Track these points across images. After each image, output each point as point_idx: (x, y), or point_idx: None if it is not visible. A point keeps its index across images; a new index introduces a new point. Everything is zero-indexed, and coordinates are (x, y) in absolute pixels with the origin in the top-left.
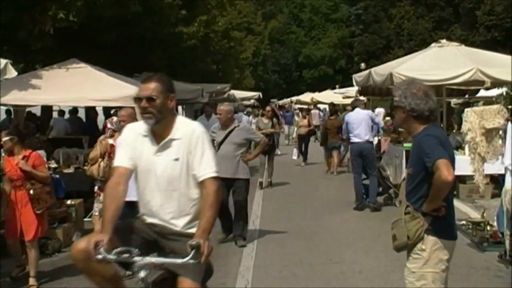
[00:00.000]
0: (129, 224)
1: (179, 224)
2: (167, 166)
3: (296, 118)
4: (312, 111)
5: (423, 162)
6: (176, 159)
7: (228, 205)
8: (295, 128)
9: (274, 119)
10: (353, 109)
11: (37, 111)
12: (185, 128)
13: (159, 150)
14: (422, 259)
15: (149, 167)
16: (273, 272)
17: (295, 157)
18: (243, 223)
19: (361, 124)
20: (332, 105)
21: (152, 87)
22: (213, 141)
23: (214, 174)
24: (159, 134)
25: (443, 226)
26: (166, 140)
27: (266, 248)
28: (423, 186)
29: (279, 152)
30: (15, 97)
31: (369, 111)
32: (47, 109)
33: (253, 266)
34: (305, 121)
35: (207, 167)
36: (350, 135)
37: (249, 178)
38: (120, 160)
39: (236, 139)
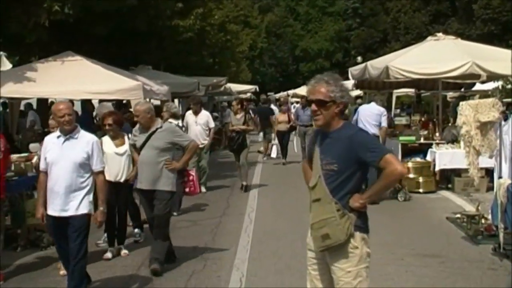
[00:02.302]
0: None
1: None
2: None
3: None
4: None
5: (355, 157)
6: None
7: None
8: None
9: (248, 115)
10: (369, 102)
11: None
12: None
13: None
14: (356, 257)
15: None
16: (268, 264)
17: (274, 155)
18: (162, 242)
19: (370, 117)
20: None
21: None
22: (134, 145)
23: None
24: None
25: (365, 220)
26: None
27: (261, 240)
28: (350, 181)
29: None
30: (10, 90)
31: (383, 110)
32: (42, 102)
33: (248, 259)
34: (285, 117)
35: None
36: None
37: (174, 191)
38: None
39: (158, 142)
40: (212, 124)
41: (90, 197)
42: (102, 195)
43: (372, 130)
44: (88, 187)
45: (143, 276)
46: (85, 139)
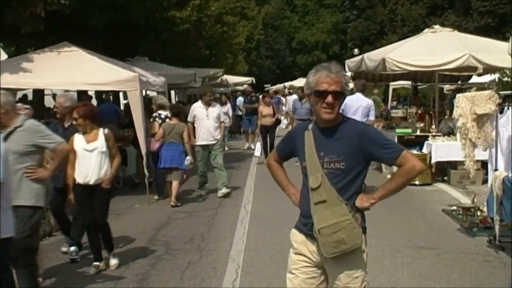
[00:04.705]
0: None
1: None
2: None
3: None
4: (289, 97)
5: (366, 154)
6: None
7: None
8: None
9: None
10: (354, 92)
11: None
12: None
13: None
14: (364, 261)
15: None
16: (264, 256)
17: (258, 154)
18: (25, 273)
19: (358, 110)
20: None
21: None
22: None
23: None
24: None
25: (365, 221)
26: None
27: (257, 232)
28: (357, 180)
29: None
30: (5, 81)
31: (371, 101)
32: (38, 93)
33: (244, 251)
34: (269, 110)
35: None
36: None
37: (39, 206)
38: None
39: (16, 145)
40: (223, 118)
41: None
42: None
43: None
44: None
45: (139, 267)
46: None
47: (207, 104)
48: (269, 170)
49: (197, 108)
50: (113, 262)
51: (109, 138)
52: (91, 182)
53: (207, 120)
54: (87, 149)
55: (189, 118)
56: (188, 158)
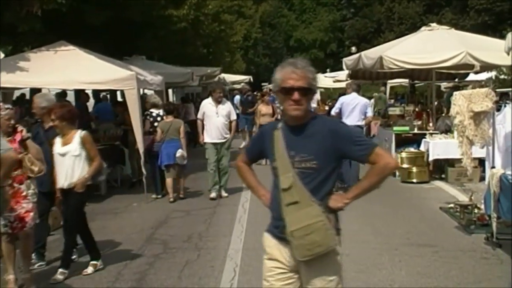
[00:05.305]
0: None
1: None
2: None
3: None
4: None
5: (338, 152)
6: None
7: None
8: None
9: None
10: (350, 92)
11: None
12: None
13: None
14: (338, 263)
15: None
16: (261, 254)
17: None
18: None
19: (356, 108)
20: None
21: None
22: None
23: None
24: None
25: (339, 222)
26: None
27: (255, 231)
28: (329, 179)
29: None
30: (2, 80)
31: (368, 101)
32: (36, 92)
33: (242, 249)
34: (269, 109)
35: None
36: (343, 117)
37: None
38: None
39: None
40: (234, 116)
41: None
42: None
43: (360, 122)
44: None
45: (137, 266)
46: None
47: (217, 101)
48: (237, 172)
49: (207, 104)
50: (59, 276)
51: (86, 141)
52: (65, 186)
53: (216, 118)
54: (60, 152)
55: (199, 115)
56: (180, 151)
